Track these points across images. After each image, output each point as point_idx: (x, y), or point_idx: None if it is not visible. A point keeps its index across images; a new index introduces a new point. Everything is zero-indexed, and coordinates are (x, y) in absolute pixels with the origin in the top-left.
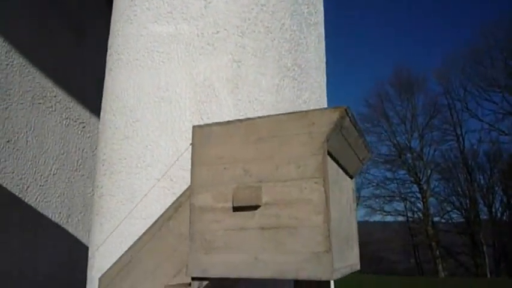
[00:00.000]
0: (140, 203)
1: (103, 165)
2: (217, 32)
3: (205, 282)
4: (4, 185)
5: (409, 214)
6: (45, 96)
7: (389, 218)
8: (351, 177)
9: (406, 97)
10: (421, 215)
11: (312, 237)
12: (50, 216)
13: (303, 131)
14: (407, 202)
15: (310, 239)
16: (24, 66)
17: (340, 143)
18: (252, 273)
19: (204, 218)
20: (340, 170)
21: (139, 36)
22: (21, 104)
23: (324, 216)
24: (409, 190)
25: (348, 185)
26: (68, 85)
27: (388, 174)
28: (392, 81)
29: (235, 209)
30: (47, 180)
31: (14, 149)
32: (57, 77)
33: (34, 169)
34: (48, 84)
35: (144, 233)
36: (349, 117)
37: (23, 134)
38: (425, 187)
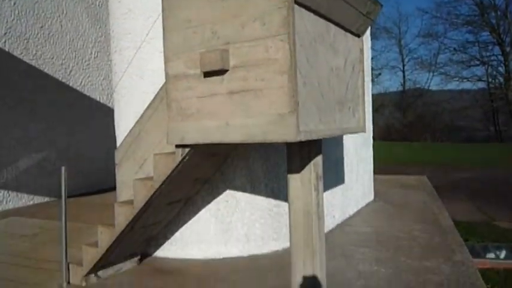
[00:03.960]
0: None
1: (113, 42)
2: None
3: (187, 150)
4: (46, 70)
5: (490, 80)
6: None
7: (467, 85)
8: (358, 36)
9: None
10: (502, 79)
11: (277, 98)
12: (97, 98)
13: None
14: (489, 66)
15: (276, 100)
16: None
17: None
18: (223, 138)
19: (178, 86)
20: (332, 27)
21: None
22: None
23: (289, 76)
24: (491, 53)
25: (350, 43)
26: None
27: (470, 37)
28: None
29: (206, 74)
30: (88, 64)
31: (49, 34)
32: None
33: (74, 53)
34: None
35: (148, 107)
36: None
37: (55, 19)
38: (508, 49)
